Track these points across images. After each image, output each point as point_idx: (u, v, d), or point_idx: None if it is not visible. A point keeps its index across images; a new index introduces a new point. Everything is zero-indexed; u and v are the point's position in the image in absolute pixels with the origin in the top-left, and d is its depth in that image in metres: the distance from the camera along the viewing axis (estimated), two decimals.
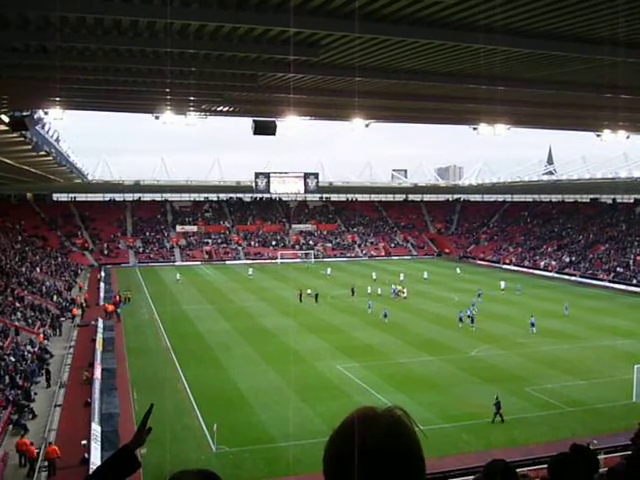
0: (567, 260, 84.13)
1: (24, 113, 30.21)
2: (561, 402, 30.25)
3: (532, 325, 46.27)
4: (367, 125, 34.23)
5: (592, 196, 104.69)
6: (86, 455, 23.03)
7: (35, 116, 31.90)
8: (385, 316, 48.72)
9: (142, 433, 2.75)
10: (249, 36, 17.74)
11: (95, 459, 22.79)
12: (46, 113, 31.74)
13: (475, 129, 37.10)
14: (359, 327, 47.12)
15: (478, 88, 24.48)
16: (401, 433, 1.70)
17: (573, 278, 76.77)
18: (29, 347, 37.56)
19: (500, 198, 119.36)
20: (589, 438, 22.98)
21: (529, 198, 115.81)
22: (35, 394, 30.70)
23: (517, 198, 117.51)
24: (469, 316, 47.70)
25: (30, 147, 38.51)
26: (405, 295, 61.21)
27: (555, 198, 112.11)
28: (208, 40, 17.95)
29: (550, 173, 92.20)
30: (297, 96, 25.77)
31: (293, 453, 24.06)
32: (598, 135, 39.20)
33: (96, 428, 25.54)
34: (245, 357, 38.79)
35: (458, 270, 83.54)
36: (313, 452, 24.12)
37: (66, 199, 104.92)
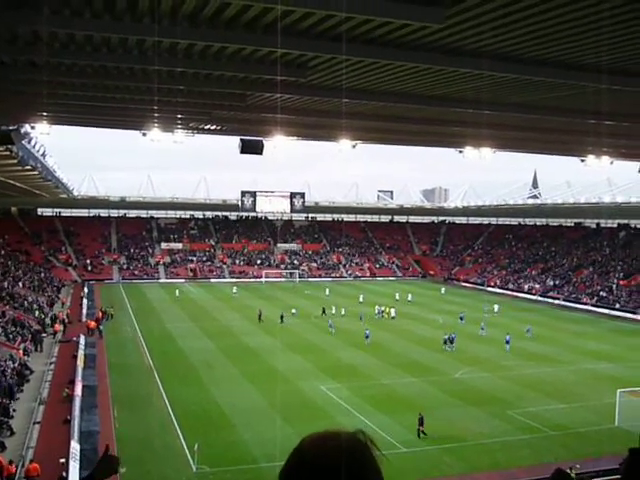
0: (551, 283, 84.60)
1: (10, 127, 30.13)
2: (544, 425, 30.26)
3: (507, 342, 47.21)
4: (354, 146, 34.49)
5: (576, 220, 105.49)
6: (64, 474, 22.65)
7: (22, 130, 31.84)
8: (367, 337, 48.56)
9: (107, 462, 2.73)
10: (238, 56, 17.88)
11: (73, 477, 22.45)
12: (33, 128, 31.74)
13: (461, 152, 37.49)
14: (342, 347, 46.99)
15: (464, 112, 24.77)
16: (355, 455, 1.70)
17: (557, 301, 77.14)
18: (9, 363, 37.08)
19: (485, 221, 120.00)
20: (572, 462, 22.99)
21: (514, 221, 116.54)
22: (14, 410, 30.27)
23: (502, 221, 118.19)
24: (451, 339, 47.64)
25: (16, 161, 38.35)
26: (394, 315, 61.30)
27: (540, 222, 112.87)
28: (197, 59, 18.08)
29: (535, 197, 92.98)
30: (285, 116, 25.94)
31: (275, 474, 23.84)
32: (582, 160, 39.69)
33: (75, 446, 25.16)
34: (228, 376, 38.53)
35: (442, 290, 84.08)
36: None
37: (51, 214, 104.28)
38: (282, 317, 56.74)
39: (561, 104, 23.96)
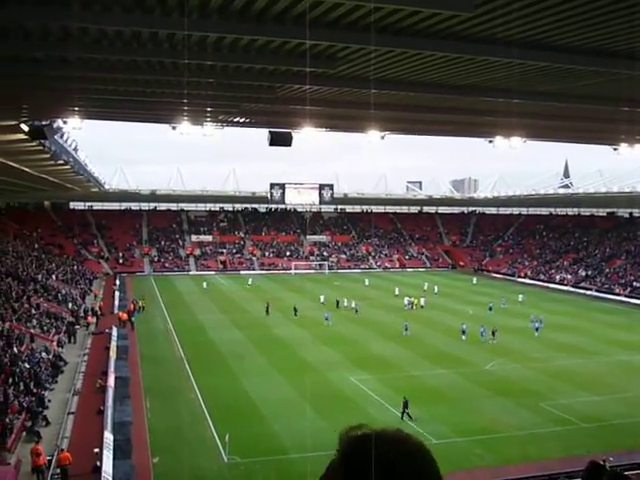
0: (583, 274, 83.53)
1: (43, 122, 30.59)
2: (576, 418, 29.96)
3: (536, 330, 48.15)
4: (383, 137, 34.33)
5: (609, 210, 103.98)
6: (98, 463, 23.04)
7: (54, 125, 32.29)
8: (406, 329, 48.32)
9: None
10: (267, 48, 17.88)
11: (107, 467, 22.84)
12: (65, 122, 32.12)
13: (491, 142, 37.10)
14: (372, 339, 46.96)
15: (495, 101, 24.49)
16: (427, 455, 1.72)
17: (589, 292, 76.17)
18: (44, 354, 37.76)
19: (516, 211, 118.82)
20: (605, 455, 22.74)
21: (545, 211, 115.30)
22: (49, 401, 30.85)
23: (533, 211, 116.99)
24: (493, 331, 47.27)
25: (48, 156, 38.95)
26: (423, 305, 61.47)
27: (571, 212, 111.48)
28: (226, 52, 18.11)
29: (566, 186, 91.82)
30: (313, 107, 25.89)
31: (305, 465, 23.98)
32: (615, 149, 39.06)
33: (108, 436, 25.58)
34: (258, 367, 38.78)
35: (474, 280, 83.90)
36: (325, 464, 24.05)
37: (83, 208, 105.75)
38: (295, 310, 56.23)
39: (593, 92, 23.57)
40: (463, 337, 47.00)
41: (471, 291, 75.44)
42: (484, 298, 66.27)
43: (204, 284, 75.38)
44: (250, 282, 78.87)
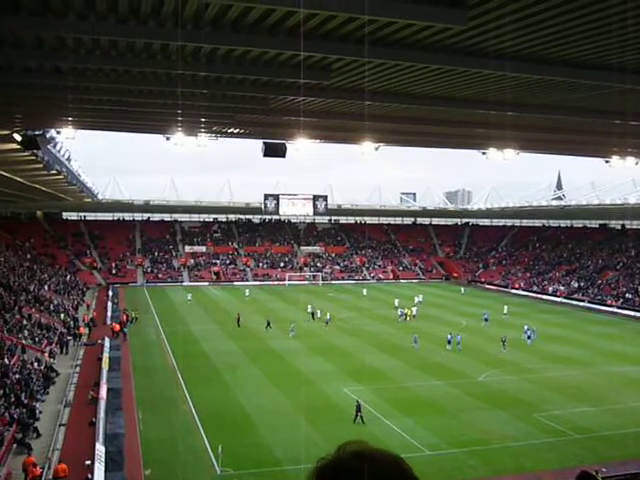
0: (576, 285, 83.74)
1: (36, 132, 30.55)
2: (569, 429, 29.95)
3: (528, 338, 49.42)
4: (377, 148, 34.46)
5: (601, 222, 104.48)
6: (89, 476, 22.87)
7: (47, 135, 32.25)
8: (449, 342, 47.93)
9: None
10: (261, 59, 17.96)
11: (99, 479, 22.67)
12: (58, 132, 32.10)
13: (484, 154, 37.29)
14: (366, 350, 46.86)
15: (487, 113, 24.64)
16: (405, 476, 1.71)
17: (582, 304, 76.32)
18: (35, 365, 37.55)
19: (509, 223, 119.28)
20: (598, 466, 22.72)
21: (538, 223, 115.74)
22: (40, 413, 30.64)
23: (526, 223, 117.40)
24: (503, 340, 47.92)
25: (41, 166, 38.87)
26: (415, 314, 61.62)
27: (564, 223, 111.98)
28: (220, 63, 18.17)
29: (559, 198, 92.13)
30: (308, 119, 26.00)
31: (299, 477, 23.86)
32: (607, 161, 39.29)
33: (100, 448, 25.39)
34: (251, 378, 38.64)
35: (462, 290, 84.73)
36: None
37: (76, 218, 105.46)
38: (269, 323, 54.88)
39: (585, 104, 23.74)
40: (448, 347, 47.28)
41: (464, 302, 75.51)
42: (477, 309, 66.29)
43: (188, 296, 73.77)
44: (247, 294, 78.46)
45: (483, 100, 22.85)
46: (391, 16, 13.08)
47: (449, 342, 47.71)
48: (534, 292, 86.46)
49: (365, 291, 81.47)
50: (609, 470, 22.95)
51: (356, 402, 30.88)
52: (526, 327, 52.54)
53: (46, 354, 41.23)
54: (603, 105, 23.61)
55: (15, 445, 26.81)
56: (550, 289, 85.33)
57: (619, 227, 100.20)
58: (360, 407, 30.40)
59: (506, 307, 66.92)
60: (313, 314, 60.79)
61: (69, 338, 47.79)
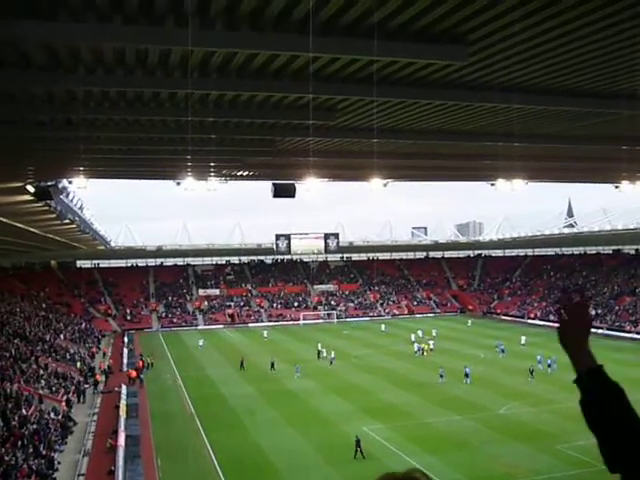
0: (593, 313, 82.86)
1: (49, 183, 30.96)
2: (594, 459, 29.24)
3: (548, 366, 49.57)
4: (385, 185, 34.61)
5: (614, 247, 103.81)
6: None
7: (59, 185, 32.67)
8: (467, 375, 47.69)
9: None
10: (267, 103, 18.26)
11: None
12: (70, 182, 32.50)
13: (493, 185, 37.32)
14: (383, 387, 46.45)
15: (494, 145, 24.80)
16: None
17: (600, 331, 75.40)
18: (53, 415, 37.44)
19: (522, 252, 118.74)
20: None
21: (551, 251, 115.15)
22: (59, 463, 30.45)
23: (539, 252, 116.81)
24: (530, 369, 48.35)
25: (54, 216, 39.27)
26: (432, 347, 61.34)
27: (577, 250, 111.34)
28: (227, 108, 18.50)
29: (571, 226, 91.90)
30: (315, 159, 26.21)
31: None
32: (616, 187, 39.25)
33: None
34: (270, 421, 38.30)
35: (469, 323, 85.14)
36: None
37: (90, 266, 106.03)
38: (272, 364, 54.54)
39: (593, 132, 23.87)
40: (467, 380, 46.94)
41: (480, 334, 74.76)
42: (495, 341, 65.54)
43: (200, 342, 71.86)
44: (266, 335, 77.86)
45: (489, 132, 23.03)
46: (392, 56, 13.31)
47: (467, 375, 47.35)
48: (551, 321, 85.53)
49: (384, 327, 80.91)
50: None
51: (355, 437, 31.00)
52: (539, 357, 51.87)
53: (63, 403, 41.13)
54: (611, 132, 23.73)
55: None
56: None
57: (633, 252, 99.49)
58: (359, 442, 30.55)
59: (524, 338, 66.24)
60: (319, 353, 60.23)
61: (86, 386, 47.70)
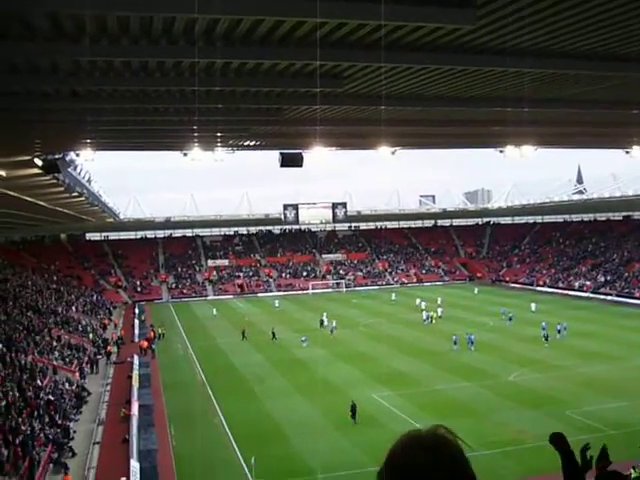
0: (602, 280, 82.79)
1: (56, 156, 30.96)
2: (604, 425, 29.56)
3: (558, 332, 50.13)
4: (393, 153, 34.40)
5: (624, 213, 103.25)
6: None
7: (67, 158, 32.66)
8: (455, 344, 48.17)
9: None
10: (273, 71, 18.08)
11: None
12: (77, 155, 32.48)
13: (502, 152, 37.05)
14: (392, 355, 46.74)
15: (503, 110, 24.52)
16: (445, 451, 1.73)
17: (609, 298, 75.47)
18: (67, 385, 37.93)
19: (530, 220, 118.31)
20: (633, 462, 22.41)
21: (560, 218, 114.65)
22: (74, 432, 30.93)
23: (548, 219, 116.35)
24: (544, 336, 48.94)
25: (63, 189, 39.33)
26: (441, 315, 61.86)
27: (587, 217, 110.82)
28: (233, 77, 18.33)
29: (580, 192, 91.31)
30: (323, 127, 26.04)
31: None
32: (627, 152, 38.89)
33: (135, 465, 25.59)
34: (280, 389, 38.69)
35: (475, 290, 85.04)
36: None
37: (99, 238, 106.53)
38: (274, 334, 54.68)
39: (603, 96, 23.54)
40: (471, 347, 47.38)
41: (489, 302, 74.82)
42: (504, 309, 65.58)
43: (213, 311, 74.04)
44: (277, 305, 78.27)
45: (498, 98, 22.76)
46: (400, 20, 13.12)
47: (471, 342, 47.93)
48: (560, 288, 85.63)
49: (394, 295, 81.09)
50: None
51: (352, 402, 31.71)
52: (543, 324, 51.93)
53: (77, 374, 41.63)
54: (621, 96, 23.41)
55: (52, 465, 27.07)
56: (576, 284, 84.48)
57: None
58: (355, 407, 31.34)
59: (534, 305, 66.28)
60: (322, 322, 60.31)
61: (99, 357, 48.23)
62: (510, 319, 58.61)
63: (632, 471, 20.34)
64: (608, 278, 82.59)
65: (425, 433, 1.78)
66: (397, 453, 1.77)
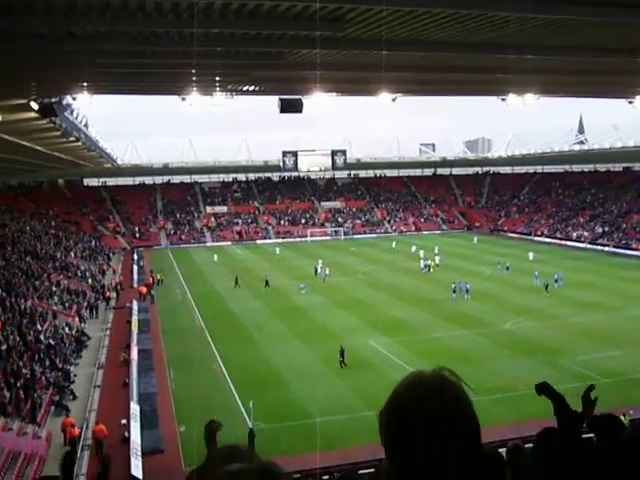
0: (600, 231, 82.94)
1: (53, 100, 30.55)
2: (597, 373, 29.97)
3: (555, 281, 50.28)
4: (394, 99, 33.96)
5: (625, 164, 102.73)
6: (126, 434, 23.51)
7: (63, 102, 32.26)
8: (454, 292, 48.44)
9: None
10: (273, 13, 17.69)
11: (135, 437, 23.28)
12: (74, 99, 32.06)
13: (504, 100, 36.60)
14: (390, 302, 47.10)
15: (506, 57, 24.13)
16: (449, 392, 1.72)
17: (606, 249, 75.71)
18: (67, 330, 38.29)
19: (530, 170, 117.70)
20: (625, 408, 22.82)
21: (560, 169, 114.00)
22: (75, 376, 31.36)
23: (548, 169, 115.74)
24: (545, 284, 49.44)
25: (60, 133, 38.96)
26: (438, 263, 62.36)
27: (587, 168, 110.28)
28: (233, 19, 17.94)
29: (581, 143, 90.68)
30: (323, 72, 25.59)
31: (329, 428, 24.28)
32: (630, 102, 38.45)
33: (135, 407, 26.03)
34: (278, 335, 39.08)
35: (475, 240, 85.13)
36: (349, 427, 24.37)
37: (97, 184, 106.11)
38: (267, 282, 54.54)
39: (606, 43, 23.14)
40: (467, 297, 47.64)
41: (487, 251, 75.05)
42: (501, 258, 65.76)
43: (214, 257, 73.84)
44: (278, 252, 78.11)
45: (502, 44, 22.37)
46: None
47: (454, 291, 48.45)
48: (558, 239, 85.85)
49: (394, 244, 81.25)
50: (636, 412, 23.04)
51: (340, 347, 32.35)
52: (536, 273, 52.40)
53: (77, 319, 41.99)
54: (626, 43, 23.00)
55: (53, 407, 27.55)
56: (574, 235, 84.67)
57: None
58: (343, 352, 31.97)
59: (532, 254, 66.52)
60: (316, 270, 60.26)
61: (98, 302, 48.58)
62: (507, 268, 58.90)
63: (622, 418, 20.66)
64: (606, 229, 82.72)
65: (429, 374, 1.76)
66: (400, 393, 1.75)
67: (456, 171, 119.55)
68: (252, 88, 31.88)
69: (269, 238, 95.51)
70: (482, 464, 1.71)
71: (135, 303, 46.47)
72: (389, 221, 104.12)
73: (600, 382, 28.77)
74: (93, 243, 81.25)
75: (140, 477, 21.05)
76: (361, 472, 17.30)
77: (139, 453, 22.38)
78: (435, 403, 1.67)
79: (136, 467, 21.36)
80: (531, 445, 3.29)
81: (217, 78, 28.91)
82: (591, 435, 3.54)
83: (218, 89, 31.88)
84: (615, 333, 37.03)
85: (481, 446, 1.73)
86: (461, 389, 1.76)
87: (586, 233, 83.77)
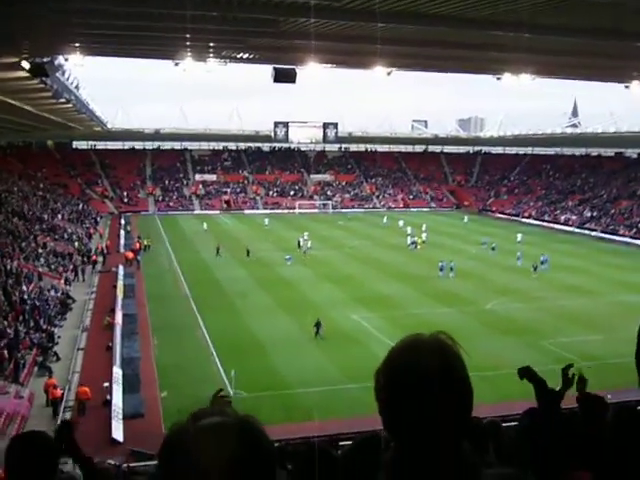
0: (588, 215, 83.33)
1: (44, 59, 30.15)
2: (577, 356, 30.22)
3: (542, 263, 50.48)
4: (389, 73, 33.78)
5: (617, 150, 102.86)
6: (108, 397, 23.62)
7: (55, 62, 31.86)
8: (441, 270, 48.48)
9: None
10: None
11: (117, 401, 23.40)
12: (66, 60, 31.68)
13: (499, 79, 36.47)
14: (375, 277, 47.27)
15: (503, 35, 24.01)
16: (446, 354, 1.74)
17: (594, 233, 76.11)
18: (52, 292, 38.21)
19: (522, 151, 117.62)
20: (603, 392, 23.07)
21: (551, 151, 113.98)
22: (59, 337, 31.38)
23: (539, 151, 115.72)
24: (534, 266, 49.51)
25: (50, 94, 38.53)
26: (424, 240, 62.58)
27: (578, 152, 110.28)
28: None
29: (574, 126, 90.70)
30: (318, 42, 25.40)
31: (309, 399, 24.50)
32: (626, 86, 38.41)
33: (117, 371, 26.13)
34: (262, 305, 39.18)
35: (465, 219, 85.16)
36: (329, 399, 24.59)
37: (86, 147, 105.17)
38: (248, 252, 54.60)
39: (604, 26, 23.03)
40: (451, 275, 47.84)
41: (474, 231, 75.29)
42: (488, 238, 66.05)
43: (204, 225, 73.63)
44: (267, 223, 77.91)
45: (498, 22, 22.22)
46: None
47: (441, 269, 48.51)
48: (546, 221, 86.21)
49: (385, 219, 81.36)
50: (614, 396, 23.34)
51: (316, 320, 32.67)
52: (519, 253, 52.81)
53: (62, 281, 41.88)
54: (623, 26, 22.91)
55: (36, 368, 27.60)
56: (562, 218, 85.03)
57: (635, 156, 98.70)
58: (319, 325, 32.39)
59: (520, 235, 66.88)
60: (299, 243, 59.88)
61: (84, 266, 48.42)
62: (493, 249, 59.17)
63: None
64: (594, 214, 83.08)
65: (427, 337, 1.79)
66: (398, 353, 1.78)
67: (447, 149, 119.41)
68: (246, 56, 31.61)
69: (257, 208, 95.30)
70: (471, 429, 1.74)
71: (121, 268, 46.35)
72: (378, 196, 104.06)
73: (580, 365, 29.09)
74: (81, 206, 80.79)
75: (121, 440, 21.20)
76: (341, 443, 17.49)
77: (120, 416, 22.51)
78: (430, 361, 1.69)
79: (117, 430, 21.51)
80: (509, 424, 3.38)
81: (211, 44, 28.63)
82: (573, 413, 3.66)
83: (212, 55, 31.60)
84: (597, 318, 37.37)
85: (471, 412, 1.76)
86: (457, 352, 1.79)
87: (574, 217, 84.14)
